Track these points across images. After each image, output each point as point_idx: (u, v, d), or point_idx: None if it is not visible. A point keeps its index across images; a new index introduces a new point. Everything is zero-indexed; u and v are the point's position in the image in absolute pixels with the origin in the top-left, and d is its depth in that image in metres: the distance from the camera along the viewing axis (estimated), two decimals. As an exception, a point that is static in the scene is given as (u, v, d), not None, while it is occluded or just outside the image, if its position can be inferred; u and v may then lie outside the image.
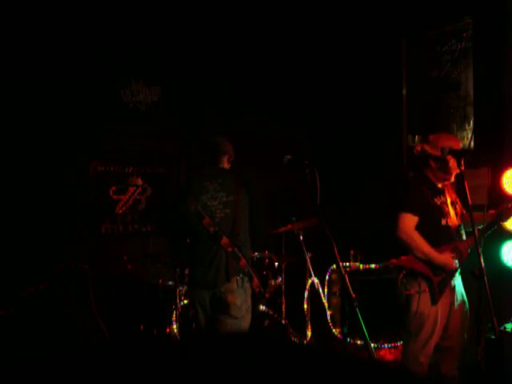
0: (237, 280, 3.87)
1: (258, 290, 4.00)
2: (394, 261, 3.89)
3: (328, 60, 6.72)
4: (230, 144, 4.13)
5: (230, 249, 3.87)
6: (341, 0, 6.51)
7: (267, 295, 5.35)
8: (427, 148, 3.85)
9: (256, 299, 4.14)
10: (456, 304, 3.86)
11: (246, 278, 3.91)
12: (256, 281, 3.98)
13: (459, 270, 3.90)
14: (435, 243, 3.78)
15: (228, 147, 4.10)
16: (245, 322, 3.93)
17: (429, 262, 3.75)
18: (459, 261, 3.81)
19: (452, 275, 3.82)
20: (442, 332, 3.82)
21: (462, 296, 3.92)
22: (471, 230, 3.51)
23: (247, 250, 3.99)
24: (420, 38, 6.28)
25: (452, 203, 3.92)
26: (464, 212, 3.96)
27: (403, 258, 3.82)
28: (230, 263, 3.87)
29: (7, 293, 4.86)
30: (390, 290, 3.99)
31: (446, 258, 3.76)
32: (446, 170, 3.82)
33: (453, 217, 3.88)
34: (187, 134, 5.96)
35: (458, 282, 3.90)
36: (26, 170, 5.41)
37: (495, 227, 3.89)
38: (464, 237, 3.93)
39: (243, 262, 3.89)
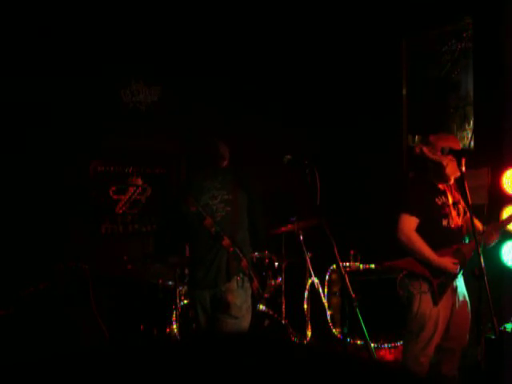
0: (237, 280, 3.87)
1: (256, 291, 4.00)
2: (393, 263, 3.89)
3: (328, 60, 6.72)
4: (227, 147, 4.14)
5: (231, 249, 3.87)
6: (341, 0, 6.51)
7: (266, 295, 5.35)
8: (426, 151, 3.84)
9: (255, 300, 4.13)
10: (458, 305, 3.85)
11: (246, 278, 3.92)
12: (256, 282, 3.99)
13: (461, 272, 3.89)
14: (436, 244, 3.76)
15: (226, 152, 4.11)
16: (245, 321, 3.92)
17: (428, 264, 3.74)
18: (461, 264, 3.79)
19: (453, 277, 3.81)
20: (443, 333, 3.81)
21: (464, 297, 3.90)
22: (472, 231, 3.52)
23: (248, 249, 3.99)
24: (420, 38, 6.29)
25: (454, 204, 3.90)
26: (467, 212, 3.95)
27: (402, 259, 3.82)
28: (231, 263, 3.87)
29: (7, 293, 4.86)
30: (390, 290, 3.99)
31: (446, 261, 3.75)
32: (443, 174, 3.81)
33: (454, 217, 3.87)
34: (187, 133, 5.96)
35: (460, 283, 3.89)
36: (26, 170, 5.41)
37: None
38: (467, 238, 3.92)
39: (244, 262, 3.90)
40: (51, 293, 4.95)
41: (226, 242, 3.87)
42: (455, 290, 3.84)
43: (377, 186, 6.10)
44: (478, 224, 3.85)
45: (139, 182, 6.18)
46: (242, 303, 3.88)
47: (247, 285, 3.93)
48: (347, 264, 5.80)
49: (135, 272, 5.50)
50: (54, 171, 5.57)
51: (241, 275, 3.89)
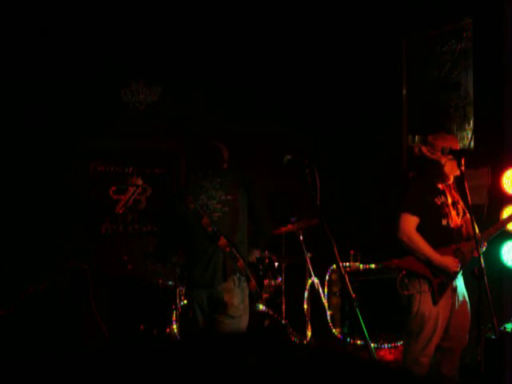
0: (234, 279, 3.87)
1: (254, 291, 4.01)
2: (393, 262, 3.89)
3: (328, 60, 6.72)
4: (226, 150, 4.14)
5: (227, 249, 3.88)
6: (341, 0, 6.51)
7: (265, 295, 5.35)
8: (425, 150, 3.85)
9: (252, 299, 4.13)
10: (457, 305, 3.85)
11: (243, 278, 3.92)
12: (253, 282, 3.99)
13: (461, 272, 3.89)
14: (436, 244, 3.77)
15: (226, 155, 4.11)
16: (243, 321, 3.93)
17: (429, 264, 3.74)
18: (461, 263, 3.79)
19: (453, 277, 3.81)
20: (443, 333, 3.81)
21: (464, 297, 3.90)
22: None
23: (245, 250, 3.99)
24: (420, 37, 6.28)
25: (453, 203, 3.91)
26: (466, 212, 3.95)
27: (402, 258, 3.82)
28: (228, 263, 3.87)
29: (7, 293, 4.86)
30: (390, 290, 3.99)
31: (448, 260, 3.75)
32: (442, 173, 3.82)
33: (454, 217, 3.87)
34: (187, 133, 5.96)
35: (459, 282, 3.90)
36: (26, 170, 5.41)
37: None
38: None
39: (241, 262, 3.90)
40: (51, 293, 4.96)
41: (223, 241, 3.87)
42: (455, 289, 3.85)
43: (377, 186, 6.10)
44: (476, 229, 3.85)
45: (139, 181, 6.18)
46: (239, 303, 3.88)
47: (244, 284, 3.93)
48: (347, 264, 5.80)
49: (135, 272, 5.50)
50: (53, 171, 5.57)
51: (237, 275, 3.89)
